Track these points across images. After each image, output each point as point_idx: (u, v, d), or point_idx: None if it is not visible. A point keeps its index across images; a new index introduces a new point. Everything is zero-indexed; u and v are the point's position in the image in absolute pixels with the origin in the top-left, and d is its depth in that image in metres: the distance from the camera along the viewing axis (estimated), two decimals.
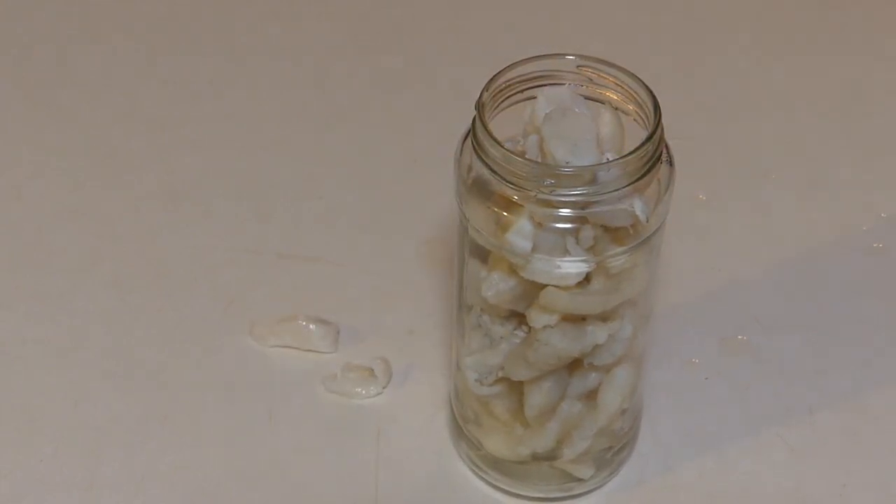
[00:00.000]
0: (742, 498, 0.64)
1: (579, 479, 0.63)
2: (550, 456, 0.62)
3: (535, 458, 0.62)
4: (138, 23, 0.92)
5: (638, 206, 0.55)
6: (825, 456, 0.66)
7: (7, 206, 0.78)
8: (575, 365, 0.59)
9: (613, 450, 0.64)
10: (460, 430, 0.65)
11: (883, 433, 0.67)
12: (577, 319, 0.57)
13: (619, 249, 0.56)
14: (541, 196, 0.54)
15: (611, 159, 0.55)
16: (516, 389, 0.61)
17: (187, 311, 0.72)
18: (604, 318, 0.57)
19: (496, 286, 0.57)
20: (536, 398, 0.59)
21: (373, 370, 0.68)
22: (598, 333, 0.57)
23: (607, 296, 0.56)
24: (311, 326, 0.70)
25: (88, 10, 0.93)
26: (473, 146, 0.55)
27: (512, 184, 0.54)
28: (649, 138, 0.55)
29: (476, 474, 0.65)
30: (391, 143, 0.83)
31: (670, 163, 0.57)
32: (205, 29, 0.91)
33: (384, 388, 0.68)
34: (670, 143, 0.57)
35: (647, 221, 0.55)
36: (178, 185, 0.80)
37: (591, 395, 0.60)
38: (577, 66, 0.58)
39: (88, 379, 0.69)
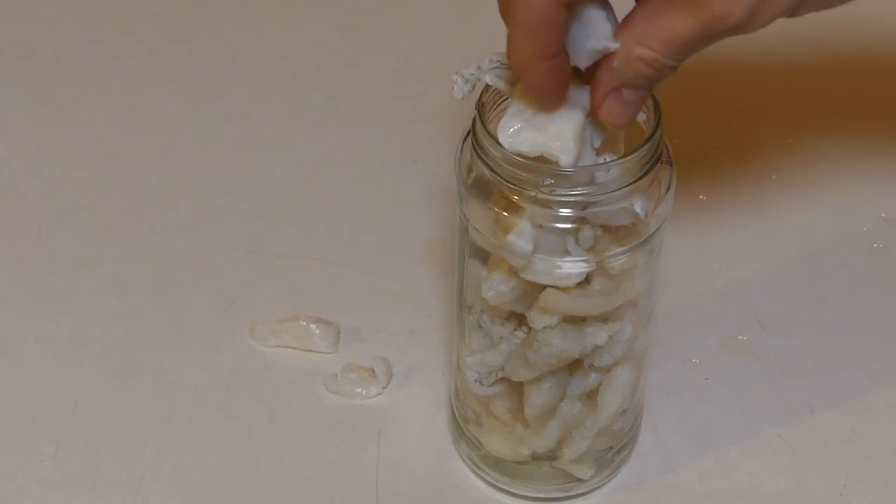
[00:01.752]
0: (742, 498, 0.64)
1: (579, 480, 0.63)
2: (551, 456, 0.62)
3: (536, 458, 0.62)
4: (139, 22, 0.92)
5: (638, 204, 0.55)
6: (825, 456, 0.66)
7: (7, 206, 0.79)
8: (575, 365, 0.59)
9: (613, 450, 0.64)
10: (460, 429, 0.65)
11: (883, 433, 0.67)
12: (577, 320, 0.57)
13: (620, 249, 0.56)
14: (540, 196, 0.54)
15: (608, 160, 0.55)
16: (517, 389, 0.60)
17: (187, 311, 0.72)
18: (604, 319, 0.57)
19: (496, 287, 0.57)
20: (537, 398, 0.59)
21: (373, 370, 0.68)
22: (598, 335, 0.57)
23: (608, 297, 0.56)
24: (311, 326, 0.70)
25: (88, 10, 0.93)
26: (473, 146, 0.55)
27: (512, 184, 0.54)
28: (649, 138, 0.55)
29: (476, 474, 0.65)
30: (391, 143, 0.83)
31: (670, 163, 0.57)
32: (205, 29, 0.91)
33: (384, 388, 0.68)
34: (670, 143, 0.57)
35: (647, 218, 0.55)
36: (178, 185, 0.80)
37: (591, 395, 0.60)
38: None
39: (88, 379, 0.69)
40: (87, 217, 0.78)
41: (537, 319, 0.56)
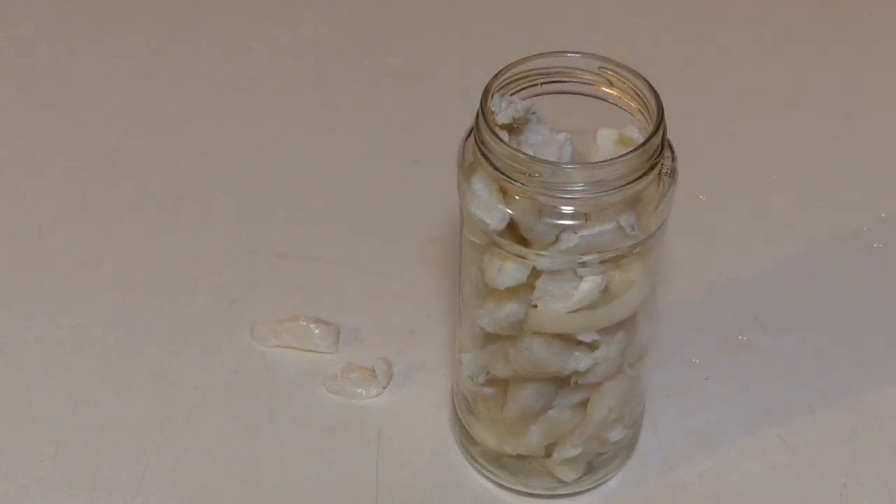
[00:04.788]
0: (742, 498, 0.64)
1: (577, 479, 0.63)
2: (545, 454, 0.62)
3: (521, 457, 0.62)
4: (139, 22, 0.92)
5: (625, 220, 0.54)
6: (825, 456, 0.66)
7: (8, 206, 0.79)
8: (562, 382, 0.59)
9: (607, 455, 0.63)
10: (457, 418, 0.65)
11: (883, 433, 0.67)
12: (567, 337, 0.57)
13: (598, 258, 0.55)
14: (528, 190, 0.53)
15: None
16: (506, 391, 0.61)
17: (187, 311, 0.72)
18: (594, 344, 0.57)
19: (491, 314, 0.57)
20: (514, 402, 0.60)
21: (374, 370, 0.68)
22: (581, 360, 0.57)
23: (596, 318, 0.56)
24: (311, 326, 0.70)
25: (88, 10, 0.93)
26: (476, 142, 0.55)
27: (507, 176, 0.54)
28: (651, 137, 0.54)
29: (476, 470, 0.65)
30: (391, 143, 0.83)
31: (671, 175, 0.56)
32: (205, 29, 0.91)
33: (384, 388, 0.68)
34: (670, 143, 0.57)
35: (634, 232, 0.55)
36: (178, 185, 0.80)
37: (582, 403, 0.60)
38: (598, 68, 0.57)
39: (88, 379, 0.69)
40: (87, 217, 0.78)
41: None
